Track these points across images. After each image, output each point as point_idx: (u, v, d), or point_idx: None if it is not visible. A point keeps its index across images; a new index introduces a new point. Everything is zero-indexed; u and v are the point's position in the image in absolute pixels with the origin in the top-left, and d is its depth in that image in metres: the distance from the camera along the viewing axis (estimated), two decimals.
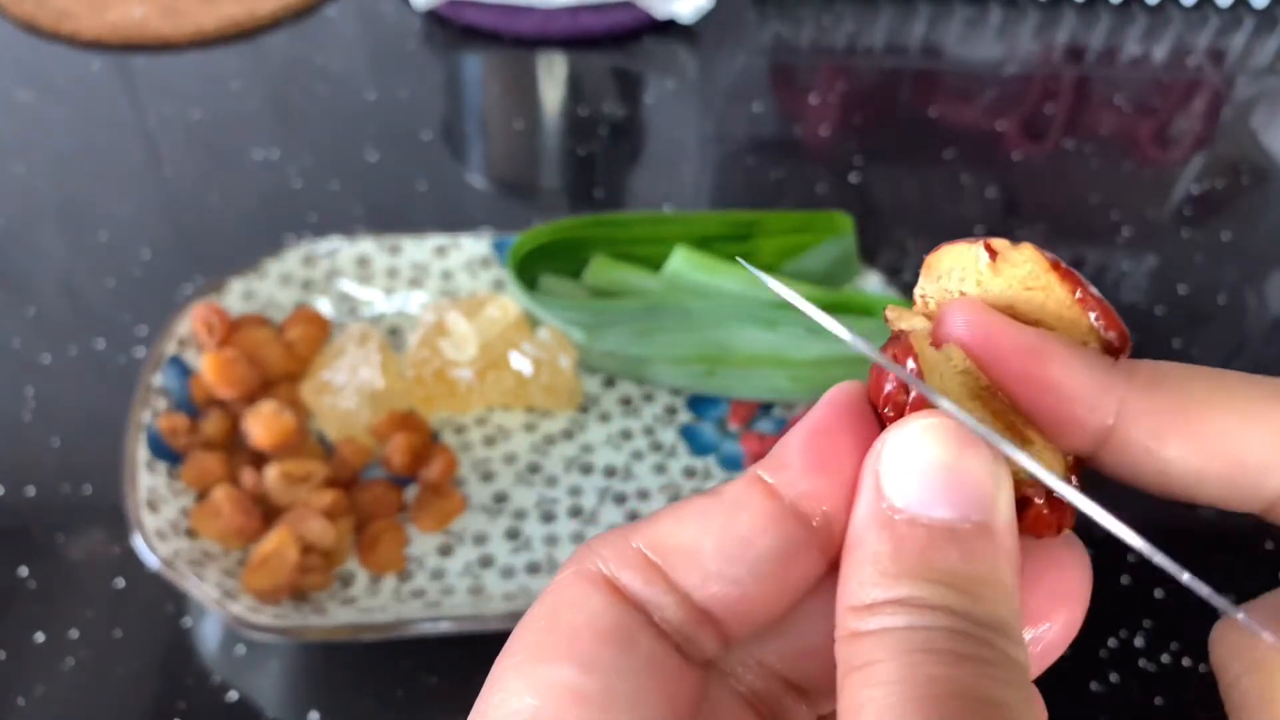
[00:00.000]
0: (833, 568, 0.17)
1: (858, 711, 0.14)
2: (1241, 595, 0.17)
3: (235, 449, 0.46)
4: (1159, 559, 0.14)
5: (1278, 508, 0.15)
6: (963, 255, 0.17)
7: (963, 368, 0.16)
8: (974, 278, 0.17)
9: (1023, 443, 0.16)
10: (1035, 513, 0.16)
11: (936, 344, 0.16)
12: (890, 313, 0.17)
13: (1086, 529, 0.16)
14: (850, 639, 0.15)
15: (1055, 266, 0.16)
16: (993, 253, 0.16)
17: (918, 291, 0.17)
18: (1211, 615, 0.17)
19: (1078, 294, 0.16)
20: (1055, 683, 0.17)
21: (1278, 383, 0.15)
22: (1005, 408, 0.16)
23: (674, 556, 0.16)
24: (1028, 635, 0.17)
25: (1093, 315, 0.16)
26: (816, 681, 0.18)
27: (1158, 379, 0.15)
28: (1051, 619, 0.17)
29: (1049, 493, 0.16)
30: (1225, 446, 0.15)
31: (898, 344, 0.16)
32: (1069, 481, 0.16)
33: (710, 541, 0.16)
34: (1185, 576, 0.14)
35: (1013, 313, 0.16)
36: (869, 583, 0.15)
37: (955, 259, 0.17)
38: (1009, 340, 0.16)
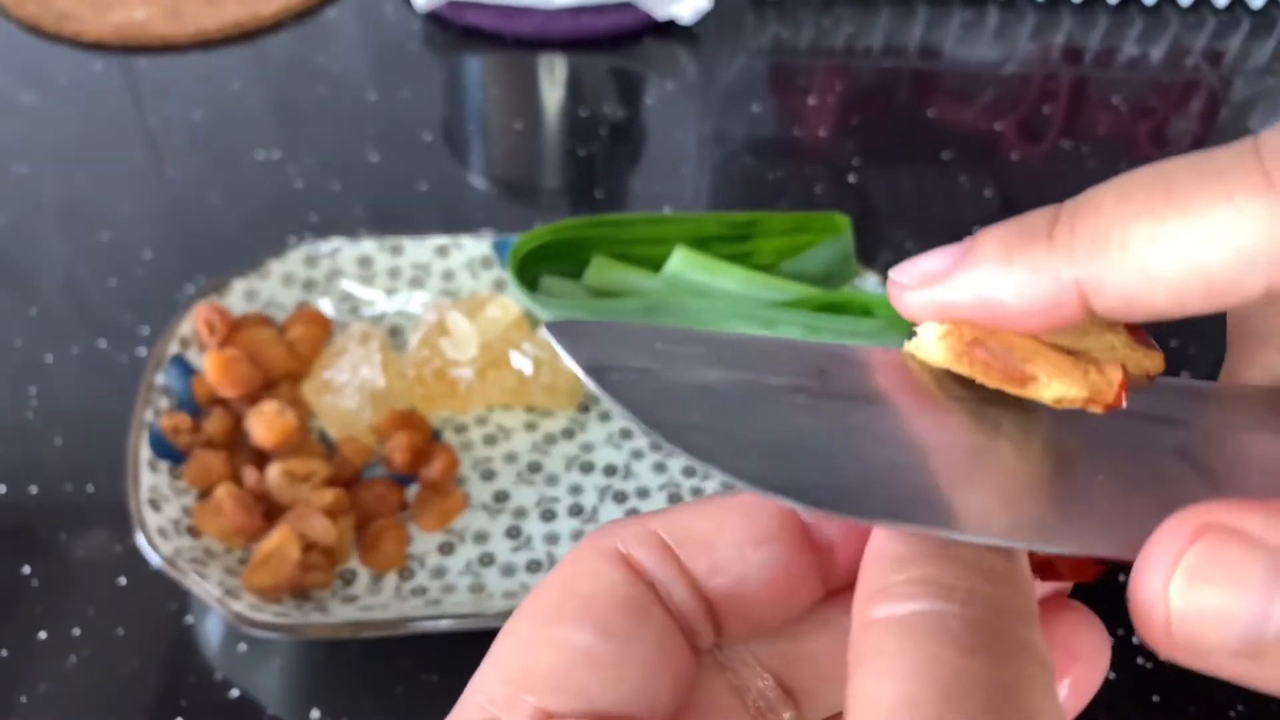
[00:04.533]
0: (829, 595, 0.17)
1: (869, 708, 0.13)
2: None
3: (237, 448, 0.46)
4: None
5: (1272, 293, 0.14)
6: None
7: (941, 334, 0.16)
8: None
9: (1024, 382, 0.15)
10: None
11: (915, 322, 0.16)
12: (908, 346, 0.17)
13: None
14: (863, 629, 0.14)
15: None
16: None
17: None
18: None
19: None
20: None
21: (1188, 166, 0.14)
22: (999, 351, 0.15)
23: (689, 543, 0.17)
24: None
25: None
26: (810, 688, 0.18)
27: (1097, 234, 0.14)
28: (1064, 676, 0.16)
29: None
30: (1187, 267, 0.14)
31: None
32: (1121, 391, 0.15)
33: (724, 537, 0.16)
34: None
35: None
36: (887, 569, 0.14)
37: None
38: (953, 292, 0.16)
